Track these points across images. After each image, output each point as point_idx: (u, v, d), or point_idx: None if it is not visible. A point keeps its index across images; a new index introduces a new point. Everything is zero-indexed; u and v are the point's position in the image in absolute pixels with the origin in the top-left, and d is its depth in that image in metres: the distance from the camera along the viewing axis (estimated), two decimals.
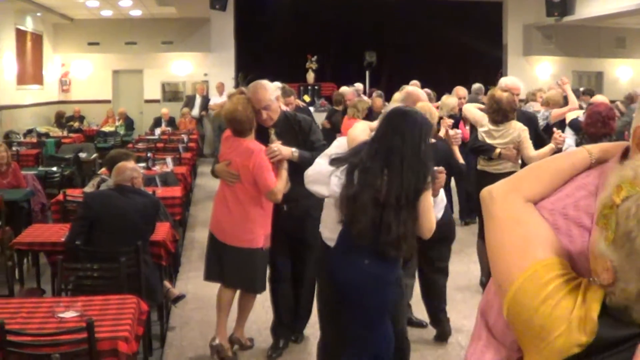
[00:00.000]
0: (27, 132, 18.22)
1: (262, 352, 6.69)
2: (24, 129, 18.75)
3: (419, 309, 7.20)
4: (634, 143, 1.81)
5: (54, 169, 12.34)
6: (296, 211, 6.29)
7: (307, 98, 21.45)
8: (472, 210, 11.17)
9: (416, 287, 6.97)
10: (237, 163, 6.13)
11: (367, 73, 22.31)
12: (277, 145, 6.06)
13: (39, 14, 20.94)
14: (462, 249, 9.32)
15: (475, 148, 8.10)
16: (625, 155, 1.85)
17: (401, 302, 5.20)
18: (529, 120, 8.44)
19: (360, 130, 4.99)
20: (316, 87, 22.32)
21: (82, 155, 14.51)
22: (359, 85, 16.82)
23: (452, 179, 9.30)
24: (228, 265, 6.27)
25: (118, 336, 4.53)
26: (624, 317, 1.55)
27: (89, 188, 8.56)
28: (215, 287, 6.50)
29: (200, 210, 13.09)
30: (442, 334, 6.93)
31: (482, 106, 9.26)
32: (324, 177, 4.72)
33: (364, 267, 4.60)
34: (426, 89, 14.11)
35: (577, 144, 8.31)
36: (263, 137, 6.19)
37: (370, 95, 15.44)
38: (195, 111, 21.83)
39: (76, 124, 21.08)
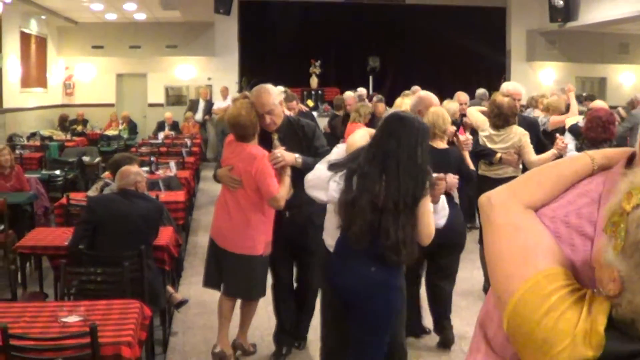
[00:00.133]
0: (30, 135, 18.24)
1: (264, 358, 6.69)
2: (28, 132, 18.78)
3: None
4: None
5: (57, 172, 12.33)
6: (298, 218, 6.23)
7: (310, 103, 21.45)
8: (473, 215, 11.15)
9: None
10: (239, 168, 6.08)
11: (371, 78, 22.31)
12: (280, 152, 6.00)
13: (43, 17, 20.97)
14: (465, 255, 9.23)
15: (476, 152, 8.10)
16: (630, 161, 1.80)
17: (403, 309, 5.18)
18: (531, 125, 8.45)
19: (360, 136, 4.98)
20: (319, 92, 22.32)
21: (86, 158, 14.52)
22: (361, 90, 16.82)
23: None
24: (227, 272, 6.25)
25: (121, 341, 4.53)
26: (631, 331, 1.47)
27: (92, 192, 8.57)
28: (218, 292, 6.49)
29: (203, 215, 13.08)
30: (446, 341, 6.91)
31: (485, 109, 9.26)
32: (323, 182, 4.74)
33: (364, 273, 4.61)
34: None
35: (578, 149, 8.31)
36: (266, 141, 6.16)
37: (370, 100, 15.42)
38: (199, 115, 21.85)
39: (79, 128, 21.11)
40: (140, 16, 21.96)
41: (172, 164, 11.93)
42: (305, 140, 6.29)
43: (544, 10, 21.60)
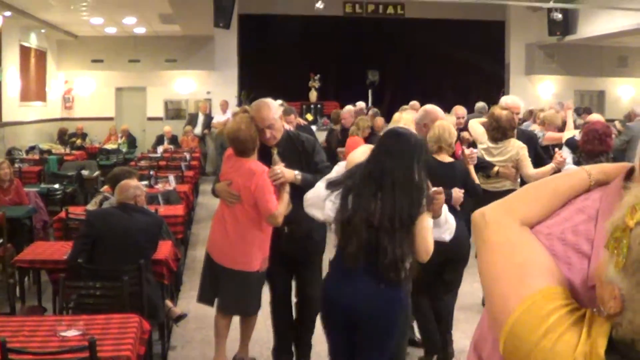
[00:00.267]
0: (29, 149, 18.24)
1: None
2: (27, 145, 18.80)
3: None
4: None
5: (56, 186, 12.34)
6: (297, 233, 6.13)
7: (309, 117, 21.48)
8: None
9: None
10: (238, 184, 6.02)
11: (370, 92, 22.33)
12: (280, 168, 5.95)
13: (43, 31, 21.02)
14: (464, 268, 9.28)
15: (474, 165, 8.10)
16: (629, 176, 1.72)
17: (406, 326, 5.15)
18: (529, 139, 8.47)
19: (361, 153, 4.92)
20: (319, 106, 22.34)
21: (85, 172, 14.50)
22: (360, 104, 16.82)
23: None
24: (223, 288, 6.19)
25: (120, 355, 4.52)
26: (632, 353, 1.41)
27: (91, 206, 8.55)
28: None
29: (202, 229, 13.05)
30: (446, 356, 6.87)
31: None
32: (320, 201, 4.71)
33: (365, 291, 4.56)
34: None
35: (575, 163, 8.31)
36: (265, 156, 6.10)
37: (366, 114, 15.43)
38: (198, 129, 21.86)
39: (79, 141, 21.11)
40: (140, 30, 22.00)
41: (171, 177, 11.92)
42: (305, 155, 6.23)
43: (543, 24, 21.68)
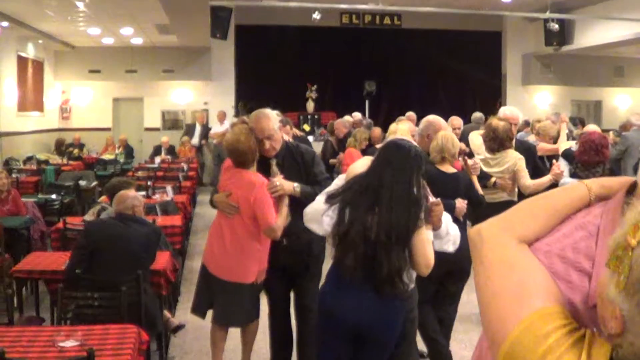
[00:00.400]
0: (26, 159, 18.24)
1: None
2: (24, 155, 18.79)
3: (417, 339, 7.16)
4: None
5: (54, 196, 12.33)
6: (296, 246, 6.06)
7: (306, 127, 21.51)
8: None
9: None
10: (237, 195, 5.93)
11: (367, 102, 22.36)
12: (279, 180, 5.88)
13: (40, 41, 21.04)
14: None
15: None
16: (630, 191, 1.68)
17: (411, 335, 5.12)
18: (527, 150, 8.44)
19: (361, 165, 4.86)
20: (316, 117, 22.35)
21: (82, 183, 14.48)
22: (356, 115, 16.85)
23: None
24: (218, 300, 6.13)
25: None
26: None
27: (89, 216, 8.55)
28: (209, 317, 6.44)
29: (200, 240, 13.05)
30: None
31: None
32: (319, 215, 4.67)
33: (361, 302, 4.53)
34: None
35: (571, 174, 8.33)
36: (264, 167, 6.03)
37: (359, 125, 15.47)
38: (195, 140, 21.89)
39: (76, 152, 21.13)
40: (137, 41, 22.02)
41: (169, 188, 11.91)
42: (305, 167, 6.15)
43: (540, 35, 21.76)
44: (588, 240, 1.64)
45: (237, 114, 21.51)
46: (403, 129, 8.17)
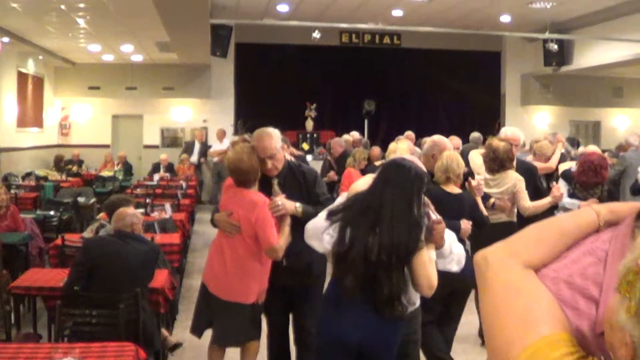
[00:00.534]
0: (25, 175, 18.23)
1: None
2: (23, 171, 18.79)
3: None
4: None
5: (52, 213, 12.31)
6: (296, 266, 5.96)
7: (305, 146, 21.52)
8: None
9: None
10: (239, 214, 5.82)
11: (366, 121, 22.39)
12: (281, 199, 5.77)
13: (41, 57, 21.10)
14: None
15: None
16: None
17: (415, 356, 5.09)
18: (528, 171, 8.42)
19: (363, 184, 4.80)
20: (315, 135, 22.34)
21: (81, 199, 14.48)
22: (354, 134, 16.85)
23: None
24: (217, 319, 6.03)
25: None
26: None
27: (87, 233, 8.54)
28: (209, 335, 6.40)
29: (198, 258, 13.04)
30: None
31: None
32: (320, 232, 4.61)
33: (360, 323, 4.47)
34: (427, 138, 14.26)
35: (570, 194, 8.33)
36: (265, 186, 5.93)
37: (358, 145, 15.50)
38: (194, 157, 21.89)
39: (75, 168, 21.13)
40: (137, 58, 22.08)
41: (168, 206, 11.89)
42: (307, 187, 6.08)
43: (539, 55, 21.85)
44: (596, 266, 1.59)
45: (236, 132, 21.57)
46: (403, 148, 8.17)
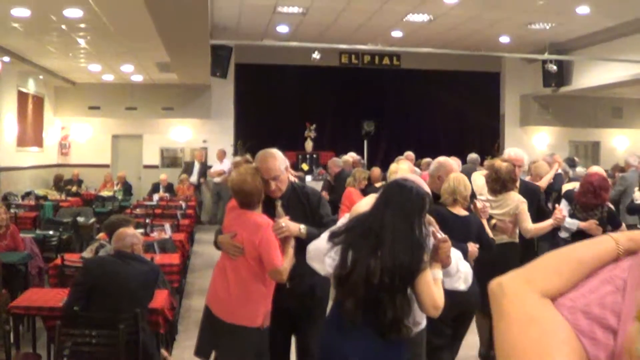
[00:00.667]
0: (25, 195, 18.22)
1: None
2: (23, 191, 18.79)
3: None
4: None
5: (52, 232, 12.31)
6: (299, 288, 5.87)
7: (305, 167, 21.55)
8: None
9: None
10: (242, 236, 5.70)
11: (366, 142, 22.42)
12: (285, 221, 5.68)
13: (41, 77, 21.14)
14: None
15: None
16: None
17: None
18: (531, 192, 8.40)
19: (365, 204, 4.75)
20: (314, 156, 22.38)
21: (80, 219, 14.48)
22: (352, 155, 16.88)
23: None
24: (222, 343, 5.87)
25: None
26: None
27: (87, 253, 8.54)
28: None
29: (197, 278, 13.03)
30: None
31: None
32: (321, 254, 4.58)
33: (363, 346, 4.40)
34: (427, 159, 14.30)
35: (570, 215, 8.34)
36: (269, 208, 5.84)
37: (357, 165, 15.54)
38: (194, 178, 21.91)
39: (74, 188, 21.12)
40: (137, 78, 22.14)
41: (167, 226, 11.88)
42: (310, 208, 5.99)
43: (538, 76, 21.93)
44: (615, 295, 1.53)
45: (235, 153, 21.59)
46: (404, 168, 8.17)
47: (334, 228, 4.71)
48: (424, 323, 4.77)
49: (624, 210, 12.09)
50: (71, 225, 13.62)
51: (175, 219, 14.13)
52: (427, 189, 4.75)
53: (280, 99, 23.40)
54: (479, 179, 8.56)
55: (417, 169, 9.82)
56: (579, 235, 8.36)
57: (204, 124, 23.73)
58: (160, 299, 7.06)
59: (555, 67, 20.23)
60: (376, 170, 13.67)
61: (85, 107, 23.43)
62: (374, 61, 23.31)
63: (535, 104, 24.47)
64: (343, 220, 4.82)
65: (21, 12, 12.64)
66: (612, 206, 9.17)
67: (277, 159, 5.90)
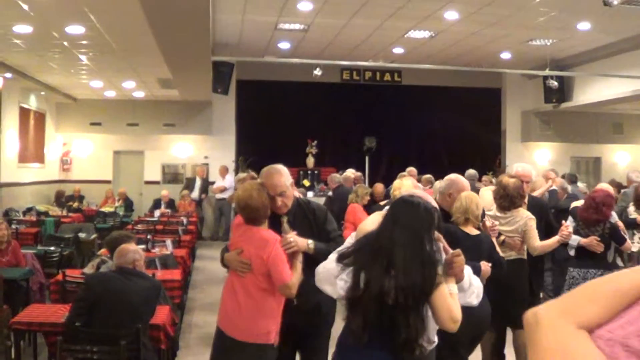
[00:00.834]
0: (26, 210, 18.23)
1: None
2: (24, 206, 18.79)
3: None
4: None
5: (53, 248, 12.30)
6: (306, 305, 5.78)
7: (306, 183, 21.55)
8: None
9: None
10: (250, 252, 5.62)
11: (367, 158, 22.43)
12: (292, 236, 5.62)
13: (43, 93, 21.19)
14: None
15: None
16: None
17: None
18: (540, 207, 8.30)
19: (371, 222, 4.68)
20: (316, 172, 22.39)
21: (82, 235, 14.47)
22: (351, 171, 16.86)
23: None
24: None
25: None
26: None
27: (88, 269, 8.53)
28: None
29: (199, 294, 13.00)
30: None
31: None
32: (332, 277, 4.50)
33: None
34: (427, 175, 14.31)
35: (575, 231, 8.31)
36: (275, 224, 5.76)
37: (359, 181, 15.56)
38: (195, 194, 21.93)
39: (75, 204, 21.14)
40: (139, 94, 22.18)
41: (169, 242, 11.87)
42: (317, 224, 5.94)
43: (539, 92, 21.97)
44: None
45: (237, 169, 21.60)
46: (408, 184, 8.16)
47: (342, 249, 4.62)
48: (436, 340, 4.72)
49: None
50: (72, 241, 13.61)
51: (176, 235, 14.13)
52: (435, 203, 4.70)
53: (281, 115, 23.41)
54: (487, 194, 8.47)
55: (419, 185, 9.81)
56: (581, 251, 8.36)
57: (206, 140, 23.74)
58: (162, 314, 7.04)
59: (556, 83, 20.26)
60: (379, 187, 13.67)
61: (87, 123, 23.47)
62: (375, 77, 23.38)
63: (537, 120, 24.50)
64: (350, 240, 4.74)
65: (23, 28, 12.68)
66: (620, 222, 9.14)
67: (283, 175, 5.86)
